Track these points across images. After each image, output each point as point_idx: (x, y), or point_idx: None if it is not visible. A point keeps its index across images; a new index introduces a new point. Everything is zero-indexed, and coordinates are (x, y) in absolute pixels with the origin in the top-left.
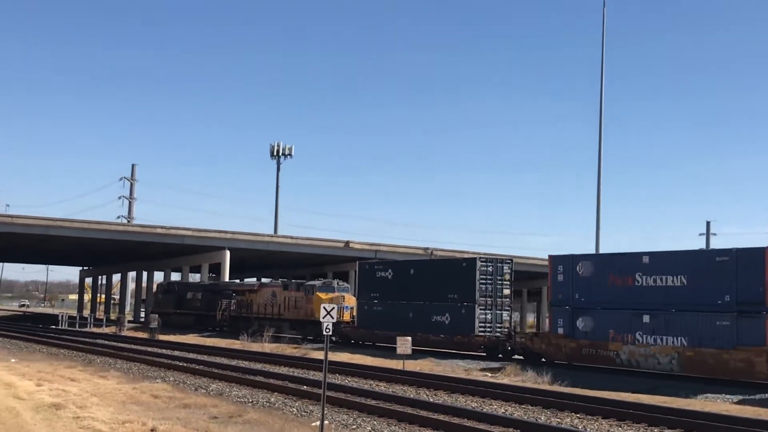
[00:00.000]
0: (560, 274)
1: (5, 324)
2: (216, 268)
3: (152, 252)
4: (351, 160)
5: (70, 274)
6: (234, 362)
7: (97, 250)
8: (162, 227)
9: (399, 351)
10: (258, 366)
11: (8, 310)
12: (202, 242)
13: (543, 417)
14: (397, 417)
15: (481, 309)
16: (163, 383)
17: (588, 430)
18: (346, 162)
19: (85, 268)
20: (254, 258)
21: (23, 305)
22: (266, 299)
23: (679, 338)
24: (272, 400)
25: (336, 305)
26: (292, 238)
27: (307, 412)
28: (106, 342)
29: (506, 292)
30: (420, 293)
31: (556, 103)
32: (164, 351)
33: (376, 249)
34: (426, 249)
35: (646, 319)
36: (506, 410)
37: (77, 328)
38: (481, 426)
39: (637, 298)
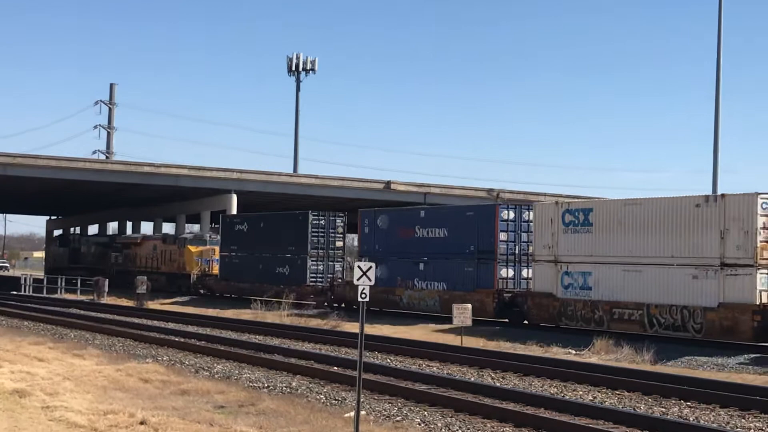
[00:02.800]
0: (366, 227)
1: None
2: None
3: (138, 197)
4: (393, 82)
5: (34, 225)
6: (244, 337)
7: (69, 195)
8: (150, 164)
9: (456, 321)
10: (275, 341)
11: None
12: (201, 183)
13: (643, 406)
14: (454, 406)
15: (312, 260)
16: (155, 363)
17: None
18: (386, 83)
19: (53, 217)
20: (268, 204)
21: None
22: (148, 253)
23: (441, 283)
24: (294, 384)
25: (207, 258)
26: (316, 177)
27: (338, 399)
28: (82, 312)
29: (339, 244)
30: (267, 246)
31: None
32: (155, 323)
33: (425, 191)
34: (490, 191)
35: (421, 267)
36: (595, 397)
37: (45, 295)
38: (563, 418)
39: (417, 248)
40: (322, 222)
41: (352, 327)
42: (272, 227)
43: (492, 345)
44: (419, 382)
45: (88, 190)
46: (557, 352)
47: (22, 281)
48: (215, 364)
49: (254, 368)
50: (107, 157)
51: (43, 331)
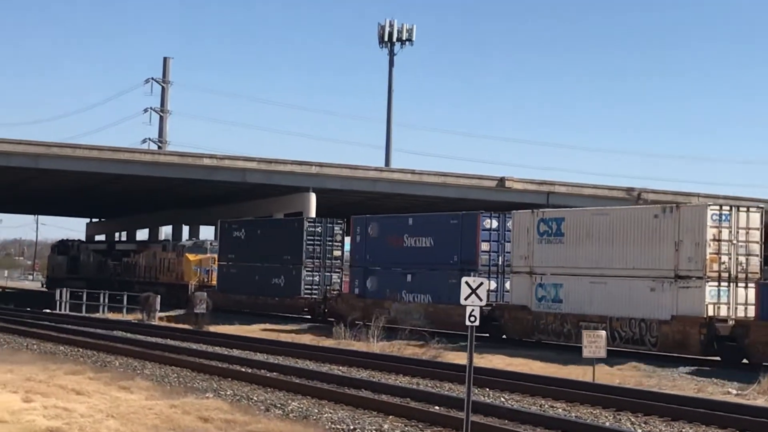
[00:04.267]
0: (358, 236)
1: None
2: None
3: (195, 196)
4: (509, 56)
5: (71, 228)
6: (325, 368)
7: (113, 193)
8: (211, 156)
9: (586, 353)
10: (364, 374)
11: None
12: (273, 179)
13: None
14: None
15: (307, 271)
16: (217, 399)
17: None
18: (500, 57)
19: (93, 220)
20: (353, 204)
21: None
22: (149, 261)
23: (426, 295)
24: (386, 427)
25: (207, 268)
26: (413, 172)
27: None
28: (128, 335)
29: (336, 253)
30: (263, 255)
31: None
32: (217, 349)
33: (548, 190)
34: (629, 190)
35: (408, 278)
36: None
37: (84, 314)
38: None
39: (404, 258)
40: (319, 229)
41: (456, 357)
42: (268, 234)
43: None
44: (541, 427)
45: (136, 186)
46: (713, 392)
47: (57, 297)
48: (290, 401)
49: (337, 406)
50: (160, 147)
51: (83, 357)
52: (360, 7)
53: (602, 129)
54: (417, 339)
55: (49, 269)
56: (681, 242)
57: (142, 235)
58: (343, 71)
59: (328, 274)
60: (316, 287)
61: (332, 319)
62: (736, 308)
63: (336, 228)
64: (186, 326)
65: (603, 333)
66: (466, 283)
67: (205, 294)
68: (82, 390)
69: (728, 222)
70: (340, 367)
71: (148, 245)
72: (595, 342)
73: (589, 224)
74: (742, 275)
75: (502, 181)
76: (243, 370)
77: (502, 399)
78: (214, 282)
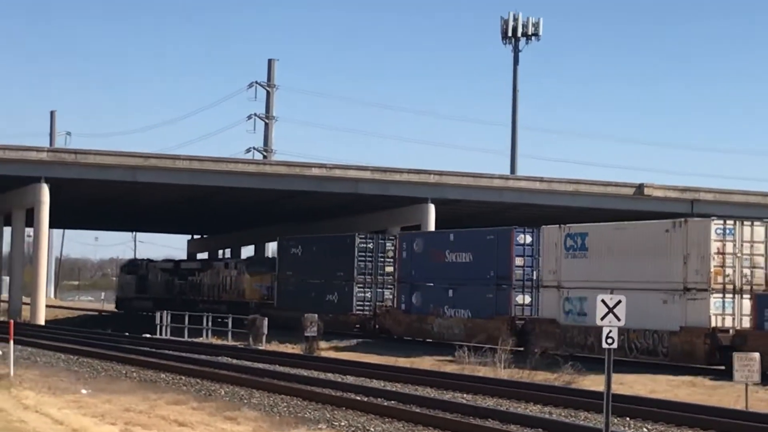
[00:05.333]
0: (404, 251)
1: (71, 331)
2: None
3: (303, 209)
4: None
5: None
6: (448, 396)
7: (215, 207)
8: (320, 165)
9: (738, 376)
10: (490, 402)
11: (75, 309)
12: (388, 190)
13: None
14: None
15: (359, 287)
16: (330, 430)
17: None
18: (636, 52)
19: (195, 236)
20: (476, 215)
21: None
22: (213, 279)
23: (466, 310)
24: None
25: (268, 284)
26: (542, 181)
27: None
28: (234, 361)
29: (388, 269)
30: (318, 271)
31: None
32: (329, 376)
33: (692, 197)
34: None
35: (450, 293)
36: None
37: (186, 338)
38: None
39: (447, 273)
40: (371, 245)
41: (592, 383)
42: (322, 251)
43: None
44: None
45: (240, 200)
46: None
47: (158, 321)
48: None
49: None
50: (265, 157)
51: (185, 386)
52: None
53: (751, 131)
54: (548, 364)
55: (118, 289)
56: (688, 256)
57: (247, 252)
58: (462, 71)
59: (380, 290)
60: (368, 303)
61: (383, 335)
62: (741, 319)
63: (388, 244)
64: (296, 351)
65: (756, 355)
66: (602, 301)
67: (316, 316)
68: (185, 421)
69: (732, 236)
70: (465, 395)
71: (212, 263)
72: (747, 365)
73: (610, 239)
74: (747, 287)
75: (640, 188)
76: (358, 398)
77: (645, 429)
78: None
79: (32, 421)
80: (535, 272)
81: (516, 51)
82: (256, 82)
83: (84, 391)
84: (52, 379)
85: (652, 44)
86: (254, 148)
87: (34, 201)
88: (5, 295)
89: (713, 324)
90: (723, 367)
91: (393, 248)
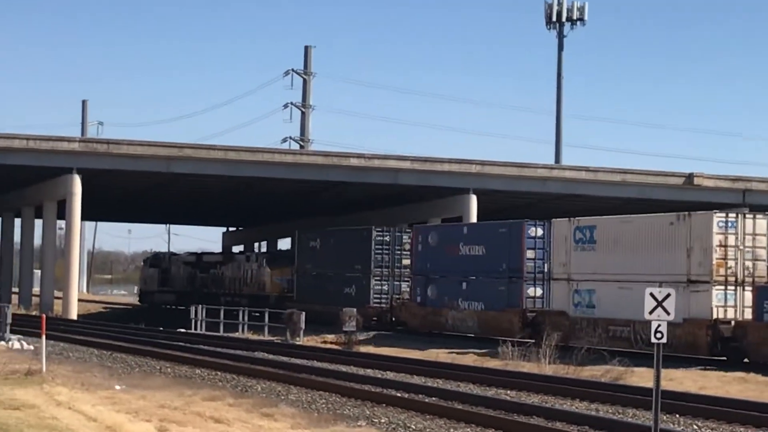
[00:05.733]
0: (419, 244)
1: (103, 326)
2: None
3: (341, 200)
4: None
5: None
6: (491, 392)
7: (251, 199)
8: (359, 155)
9: None
10: (535, 399)
11: (108, 303)
12: (428, 180)
13: None
14: None
15: (376, 280)
16: (369, 427)
17: None
18: (682, 38)
19: (230, 229)
20: (519, 207)
21: None
22: (234, 273)
23: (479, 303)
24: None
25: (288, 278)
26: (587, 170)
27: None
28: (270, 356)
29: (405, 262)
30: (336, 264)
31: None
32: (368, 372)
33: (744, 187)
34: None
35: (464, 286)
36: None
37: (222, 333)
38: None
39: (460, 266)
40: (387, 238)
41: (640, 379)
42: (340, 244)
43: None
44: None
45: (277, 191)
46: None
47: (192, 315)
48: (451, 429)
49: None
50: (302, 146)
51: (221, 382)
52: None
53: None
54: (595, 358)
55: (141, 282)
56: (692, 248)
57: (284, 244)
58: (505, 57)
59: (397, 282)
60: (385, 296)
61: (400, 328)
62: (743, 311)
63: (404, 237)
64: (334, 346)
65: None
66: (651, 294)
67: (354, 310)
68: (221, 418)
69: (734, 228)
70: (508, 392)
71: (234, 256)
72: None
73: (617, 232)
74: (749, 279)
75: (690, 177)
76: (399, 394)
77: (695, 427)
78: None
79: (65, 417)
80: (546, 265)
81: (560, 36)
82: (293, 70)
83: (118, 387)
84: (85, 375)
85: (702, 29)
86: (291, 138)
87: (65, 192)
88: (37, 289)
89: (715, 315)
90: (725, 358)
91: (409, 241)
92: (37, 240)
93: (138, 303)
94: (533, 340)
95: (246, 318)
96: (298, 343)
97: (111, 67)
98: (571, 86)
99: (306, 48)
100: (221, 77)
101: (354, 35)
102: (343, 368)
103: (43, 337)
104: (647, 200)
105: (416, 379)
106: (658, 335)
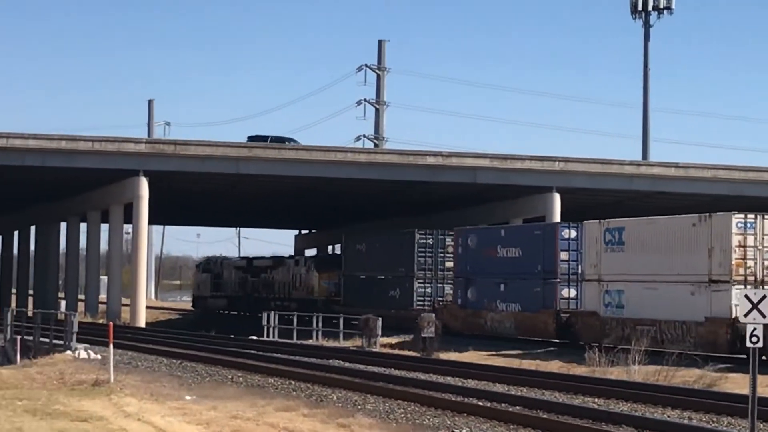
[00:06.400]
0: (460, 247)
1: (173, 334)
2: None
3: (416, 200)
4: None
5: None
6: (578, 400)
7: (324, 200)
8: (435, 153)
9: None
10: (624, 407)
11: (177, 310)
12: (508, 179)
13: None
14: None
15: (419, 282)
16: None
17: None
18: None
19: (302, 232)
20: (606, 206)
21: None
22: (284, 277)
23: (516, 304)
24: None
25: (336, 281)
26: (677, 167)
27: None
28: (346, 364)
29: (449, 264)
30: (381, 267)
31: None
32: (449, 380)
33: None
34: None
35: (502, 287)
36: None
37: (294, 340)
38: None
39: (498, 268)
40: (430, 241)
41: (735, 386)
42: (385, 247)
43: None
44: None
45: (351, 191)
46: None
47: (265, 322)
48: None
49: None
50: (376, 145)
51: (295, 391)
52: None
53: None
54: (687, 363)
55: (195, 287)
56: (713, 249)
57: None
58: (588, 49)
59: (441, 285)
60: (429, 299)
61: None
62: None
63: (448, 239)
64: (412, 353)
65: None
66: (746, 296)
67: (433, 315)
68: (295, 429)
69: (753, 229)
70: (596, 400)
71: (284, 260)
72: None
73: (644, 233)
74: None
75: None
76: (480, 403)
77: None
78: None
79: (134, 429)
80: (579, 266)
81: (647, 26)
82: (366, 65)
83: (188, 398)
84: (154, 385)
85: None
86: (364, 136)
87: (132, 196)
88: (104, 296)
89: (734, 314)
90: (744, 356)
91: (453, 243)
92: (104, 245)
93: (192, 308)
94: (567, 341)
95: (320, 324)
96: (374, 350)
97: (178, 66)
98: (658, 78)
99: (380, 42)
100: (291, 74)
101: (429, 29)
102: (422, 376)
103: (111, 345)
104: (739, 197)
105: (499, 387)
106: (754, 339)
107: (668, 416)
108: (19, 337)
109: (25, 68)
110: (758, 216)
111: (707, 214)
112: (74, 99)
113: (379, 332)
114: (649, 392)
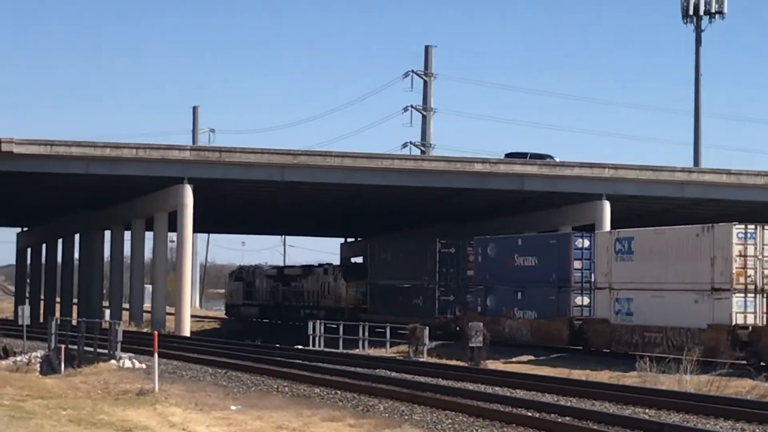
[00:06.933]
0: (479, 256)
1: (218, 343)
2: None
3: (462, 208)
4: None
5: (323, 250)
6: (629, 411)
7: (370, 207)
8: (482, 160)
9: None
10: (675, 418)
11: (222, 319)
12: (557, 186)
13: None
14: None
15: (441, 290)
16: None
17: None
18: None
19: (348, 240)
20: (656, 214)
21: None
22: (313, 285)
23: (532, 311)
24: None
25: (363, 290)
26: (729, 173)
27: None
28: (392, 374)
29: (470, 273)
30: (406, 275)
31: None
32: (497, 390)
33: None
34: None
35: (519, 295)
36: None
37: (340, 350)
38: None
39: (515, 276)
40: (452, 250)
41: None
42: (408, 256)
43: None
44: None
45: (397, 199)
46: None
47: (310, 331)
48: None
49: None
50: (423, 152)
51: (341, 401)
52: None
53: None
54: (740, 374)
55: (227, 296)
56: (715, 258)
57: None
58: (638, 54)
59: (462, 293)
60: (451, 307)
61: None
62: (763, 317)
63: (469, 249)
64: (459, 362)
65: None
66: None
67: (481, 324)
68: None
69: (753, 239)
70: (647, 410)
71: (312, 269)
72: None
73: (652, 243)
74: None
75: None
76: (530, 414)
77: None
78: None
79: None
80: (592, 275)
81: (698, 30)
82: (413, 71)
83: (233, 407)
84: (199, 395)
85: None
86: (411, 143)
87: (177, 203)
88: (148, 305)
89: (734, 321)
90: (745, 362)
91: (473, 253)
92: (148, 253)
93: (225, 316)
94: (581, 348)
95: (366, 333)
96: (421, 359)
97: (223, 73)
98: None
99: (426, 48)
100: (337, 80)
101: (476, 34)
102: (470, 386)
103: (155, 355)
104: None
105: (548, 398)
106: None
107: (721, 427)
108: (63, 346)
109: (69, 75)
110: (758, 226)
111: (710, 225)
112: (118, 106)
113: (426, 341)
114: (702, 403)
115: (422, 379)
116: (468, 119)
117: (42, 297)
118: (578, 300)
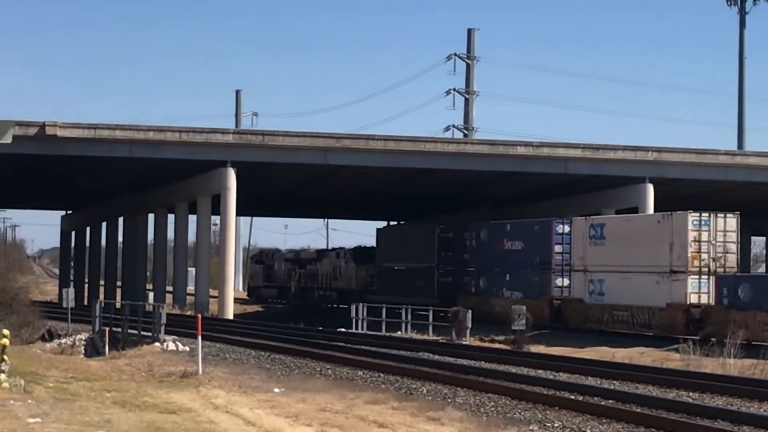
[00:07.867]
0: (474, 240)
1: (261, 325)
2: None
3: (503, 192)
4: None
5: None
6: (672, 394)
7: (412, 191)
8: (526, 144)
9: None
10: (719, 401)
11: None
12: (600, 170)
13: None
14: None
15: (441, 272)
16: (542, 431)
17: None
18: None
19: (389, 223)
20: (700, 197)
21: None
22: (326, 268)
23: (519, 292)
24: None
25: (371, 272)
26: None
27: None
28: (435, 357)
29: (466, 257)
30: (408, 259)
31: None
32: (540, 373)
33: None
34: None
35: (507, 277)
36: None
37: (383, 332)
38: None
39: (504, 259)
40: (451, 235)
41: None
42: (409, 239)
43: None
44: None
45: (439, 182)
46: None
47: (353, 315)
48: None
49: None
50: (465, 135)
51: (384, 384)
52: None
53: None
54: None
55: (249, 278)
56: (673, 243)
57: None
58: (682, 37)
59: (461, 275)
60: (450, 288)
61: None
62: (715, 297)
63: (466, 233)
64: (502, 346)
65: None
66: None
67: (524, 308)
68: (385, 422)
69: (707, 226)
70: (690, 393)
71: (326, 253)
72: None
73: (621, 229)
74: (720, 270)
75: None
76: (572, 397)
77: None
78: None
79: (223, 421)
80: (571, 258)
81: (742, 13)
82: (455, 54)
83: (276, 390)
84: (242, 377)
85: None
86: (454, 126)
87: (220, 187)
88: (191, 288)
89: (689, 301)
90: (698, 337)
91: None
92: (191, 237)
93: (247, 297)
94: (558, 326)
95: (409, 317)
96: (464, 342)
97: (266, 56)
98: (754, 66)
99: (469, 31)
100: (380, 63)
101: (519, 17)
102: (513, 369)
103: (199, 337)
104: None
105: (591, 381)
106: None
107: (765, 410)
108: (107, 329)
109: (113, 59)
110: (712, 214)
111: (669, 212)
112: (162, 90)
113: (469, 324)
114: (745, 386)
115: (465, 362)
116: (511, 102)
117: (86, 280)
118: (558, 281)
